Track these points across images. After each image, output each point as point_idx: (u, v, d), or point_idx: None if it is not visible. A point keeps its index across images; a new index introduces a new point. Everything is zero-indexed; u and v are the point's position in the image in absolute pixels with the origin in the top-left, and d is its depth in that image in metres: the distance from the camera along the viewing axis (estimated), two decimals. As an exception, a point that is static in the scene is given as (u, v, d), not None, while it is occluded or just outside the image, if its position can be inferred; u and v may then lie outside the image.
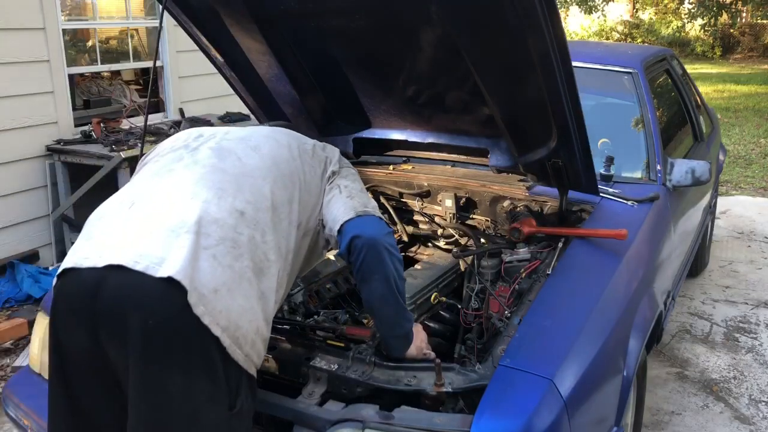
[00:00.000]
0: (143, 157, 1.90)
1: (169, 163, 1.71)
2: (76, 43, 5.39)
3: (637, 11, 22.48)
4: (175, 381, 1.41)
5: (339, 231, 1.75)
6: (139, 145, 3.86)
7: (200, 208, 1.53)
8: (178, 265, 1.42)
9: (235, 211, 1.57)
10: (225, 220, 1.54)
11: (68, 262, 1.51)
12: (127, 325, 1.40)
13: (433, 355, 1.88)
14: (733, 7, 16.23)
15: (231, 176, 1.65)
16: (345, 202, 1.79)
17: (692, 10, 17.95)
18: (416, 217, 2.91)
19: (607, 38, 20.41)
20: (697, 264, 4.33)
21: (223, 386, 1.46)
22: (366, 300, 1.80)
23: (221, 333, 1.43)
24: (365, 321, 2.33)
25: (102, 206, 1.65)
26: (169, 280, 1.40)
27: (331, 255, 2.73)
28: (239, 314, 1.48)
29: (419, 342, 1.87)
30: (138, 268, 1.42)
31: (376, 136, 2.75)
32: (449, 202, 2.70)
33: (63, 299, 1.51)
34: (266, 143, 1.80)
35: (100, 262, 1.45)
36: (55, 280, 1.55)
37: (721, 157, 4.59)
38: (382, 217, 1.84)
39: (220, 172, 1.65)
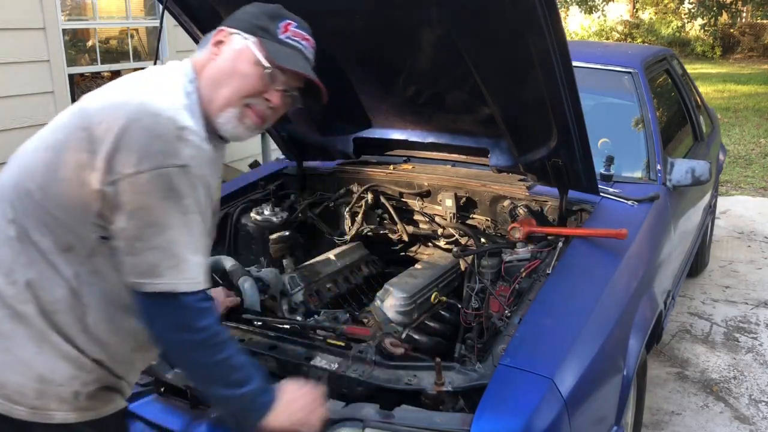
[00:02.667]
0: None
1: None
2: (76, 43, 5.39)
3: (637, 11, 22.49)
4: None
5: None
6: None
7: None
8: None
9: None
10: None
11: None
12: None
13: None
14: (733, 7, 16.25)
15: None
16: (125, 261, 1.30)
17: (692, 10, 17.99)
18: (416, 217, 2.91)
19: (607, 38, 20.41)
20: (697, 264, 4.33)
21: None
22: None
23: None
24: (365, 320, 2.33)
25: None
26: None
27: (331, 255, 2.74)
28: None
29: (287, 414, 1.42)
30: None
31: (377, 136, 2.75)
32: (449, 202, 2.70)
33: None
34: (31, 145, 1.41)
35: None
36: None
37: (721, 157, 4.60)
38: (178, 280, 1.29)
39: None
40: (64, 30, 4.49)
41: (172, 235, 1.27)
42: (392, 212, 2.84)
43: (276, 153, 4.81)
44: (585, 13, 19.18)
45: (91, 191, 1.27)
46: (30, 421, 1.33)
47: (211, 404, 1.53)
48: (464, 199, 2.71)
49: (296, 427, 1.44)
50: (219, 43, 1.43)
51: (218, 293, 2.05)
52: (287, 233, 2.73)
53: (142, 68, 1.49)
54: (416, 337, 2.24)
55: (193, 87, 1.39)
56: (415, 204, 2.83)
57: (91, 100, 1.34)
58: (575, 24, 21.62)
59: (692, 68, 14.70)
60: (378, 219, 2.96)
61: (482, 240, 2.61)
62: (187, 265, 1.29)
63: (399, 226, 2.85)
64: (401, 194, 2.86)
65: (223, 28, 1.44)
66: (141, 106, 1.27)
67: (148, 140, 1.24)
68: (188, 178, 1.27)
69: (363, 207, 2.86)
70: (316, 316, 2.26)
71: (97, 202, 1.28)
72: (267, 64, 1.38)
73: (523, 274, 2.16)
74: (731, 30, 19.29)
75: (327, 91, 1.50)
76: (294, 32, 1.45)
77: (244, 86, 1.40)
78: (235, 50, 1.40)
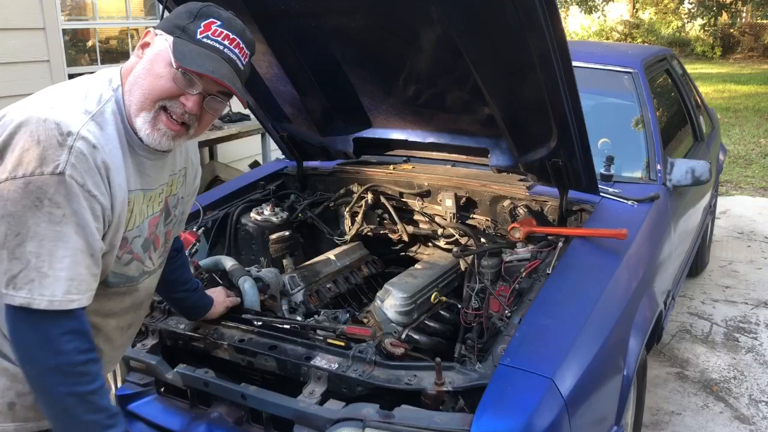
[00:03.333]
0: None
1: None
2: (76, 43, 5.39)
3: (637, 11, 22.49)
4: None
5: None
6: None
7: None
8: None
9: None
10: None
11: None
12: None
13: None
14: (733, 7, 16.24)
15: None
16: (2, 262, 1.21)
17: (692, 10, 17.99)
18: (416, 217, 2.91)
19: (607, 38, 20.42)
20: (697, 264, 4.33)
21: None
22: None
23: None
24: (365, 320, 2.33)
25: None
26: None
27: (331, 255, 2.74)
28: None
29: None
30: None
31: (377, 136, 2.75)
32: (449, 202, 2.70)
33: None
34: None
35: None
36: None
37: (721, 157, 4.60)
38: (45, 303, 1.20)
39: None
40: (64, 30, 4.49)
41: (36, 246, 1.18)
42: (392, 212, 2.84)
43: (276, 153, 4.81)
44: (585, 13, 19.19)
45: None
46: None
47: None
48: (464, 199, 2.71)
49: None
50: (145, 45, 1.36)
51: (218, 293, 2.05)
52: (287, 233, 2.73)
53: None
54: (416, 337, 2.24)
55: (111, 93, 1.32)
56: (415, 204, 2.83)
57: (7, 109, 1.29)
58: (575, 24, 21.63)
59: (692, 68, 14.71)
60: (378, 219, 2.96)
61: (482, 240, 2.61)
62: (50, 280, 1.18)
63: (399, 226, 2.85)
64: (401, 194, 2.86)
65: (150, 29, 1.37)
66: (34, 112, 1.21)
67: (28, 146, 1.18)
68: (65, 188, 1.18)
69: (363, 207, 2.87)
70: (316, 316, 2.26)
71: None
72: (176, 65, 1.30)
73: (523, 274, 2.16)
74: (731, 30, 19.29)
75: (245, 99, 1.40)
76: (216, 32, 1.33)
77: (156, 88, 1.31)
78: (155, 52, 1.33)
